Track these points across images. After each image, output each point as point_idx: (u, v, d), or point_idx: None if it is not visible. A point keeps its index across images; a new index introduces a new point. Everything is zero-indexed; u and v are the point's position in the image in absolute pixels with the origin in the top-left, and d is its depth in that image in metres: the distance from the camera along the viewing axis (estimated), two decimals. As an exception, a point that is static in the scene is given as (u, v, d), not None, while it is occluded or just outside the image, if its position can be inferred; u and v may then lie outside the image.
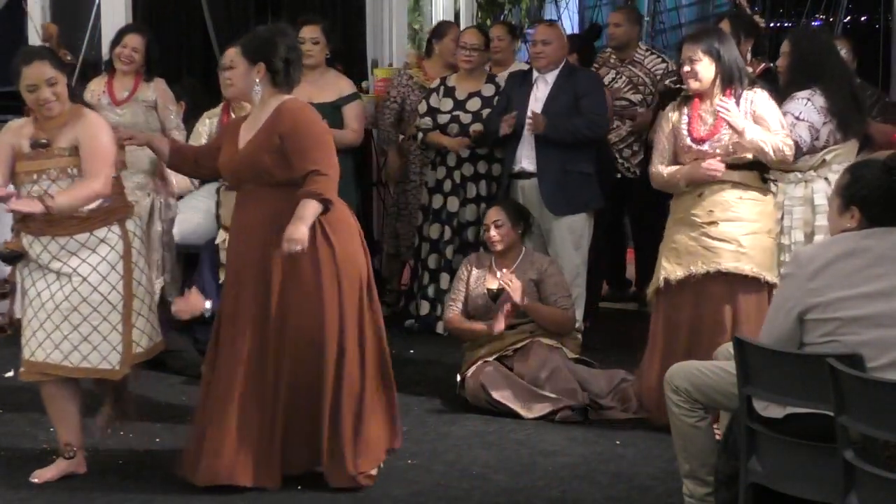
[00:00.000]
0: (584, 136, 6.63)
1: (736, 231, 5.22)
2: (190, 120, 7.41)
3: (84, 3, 8.99)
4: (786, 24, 12.19)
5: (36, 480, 4.79)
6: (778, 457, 3.67)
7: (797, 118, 5.39)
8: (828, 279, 3.64)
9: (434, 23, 9.83)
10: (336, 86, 6.95)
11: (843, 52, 6.80)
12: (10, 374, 6.44)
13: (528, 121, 6.62)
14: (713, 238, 5.23)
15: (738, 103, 5.20)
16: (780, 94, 5.47)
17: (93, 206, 4.61)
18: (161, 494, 4.68)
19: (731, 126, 5.13)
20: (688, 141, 5.27)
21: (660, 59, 7.73)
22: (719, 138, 5.22)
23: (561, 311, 5.94)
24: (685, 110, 5.32)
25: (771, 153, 5.15)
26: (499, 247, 6.03)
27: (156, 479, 4.84)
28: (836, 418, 3.39)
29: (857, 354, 3.45)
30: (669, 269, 5.35)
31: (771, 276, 5.22)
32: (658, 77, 7.56)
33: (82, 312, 4.64)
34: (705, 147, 5.23)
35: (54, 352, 4.65)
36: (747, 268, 5.21)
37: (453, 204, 7.18)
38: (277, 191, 4.56)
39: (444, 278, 7.14)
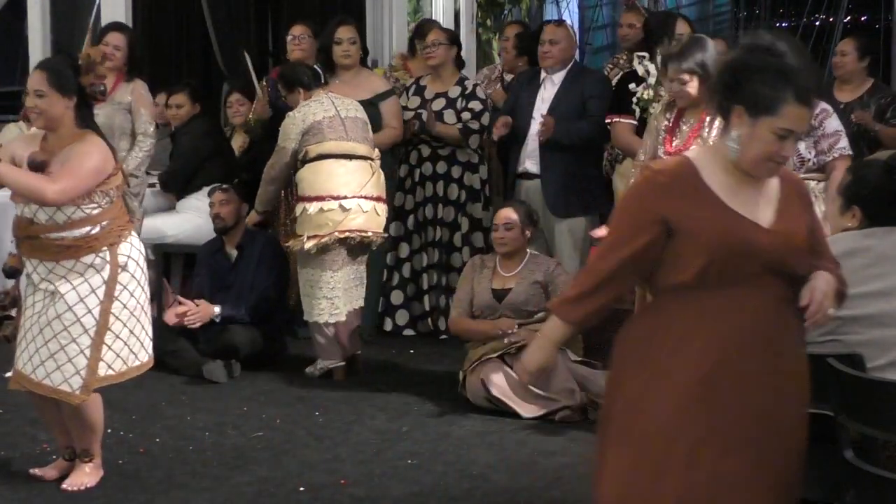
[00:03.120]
0: (590, 139, 6.65)
1: None
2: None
3: (84, 3, 9.00)
4: (785, 24, 12.19)
5: (37, 472, 4.79)
6: (778, 457, 3.67)
7: (843, 134, 5.41)
8: (828, 279, 3.63)
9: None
10: (371, 84, 7.00)
11: (852, 50, 6.83)
12: (10, 374, 6.43)
13: (539, 126, 6.62)
14: None
15: (713, 120, 5.06)
16: None
17: (79, 233, 4.52)
18: (161, 494, 4.68)
19: None
20: (660, 152, 5.22)
21: None
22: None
23: None
24: (668, 115, 5.26)
25: None
26: (505, 249, 6.03)
27: (156, 479, 4.84)
28: (836, 418, 3.39)
29: (857, 354, 3.45)
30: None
31: None
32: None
33: (54, 328, 4.55)
34: None
35: (27, 363, 4.60)
36: None
37: (409, 202, 7.19)
38: (785, 283, 3.11)
39: (395, 276, 7.26)
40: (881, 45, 10.01)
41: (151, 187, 7.42)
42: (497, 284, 6.03)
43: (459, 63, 7.36)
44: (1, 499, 4.62)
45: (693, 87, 5.13)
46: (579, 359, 5.88)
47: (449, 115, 7.09)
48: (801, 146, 5.42)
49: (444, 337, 7.07)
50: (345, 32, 6.97)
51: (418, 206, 7.20)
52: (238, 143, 7.80)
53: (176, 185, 7.38)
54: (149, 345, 4.78)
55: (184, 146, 7.38)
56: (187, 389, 6.16)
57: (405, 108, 7.17)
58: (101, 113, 6.66)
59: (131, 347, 4.68)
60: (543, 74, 6.82)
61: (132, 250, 4.67)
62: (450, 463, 5.03)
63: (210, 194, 6.87)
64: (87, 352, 4.55)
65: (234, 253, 6.78)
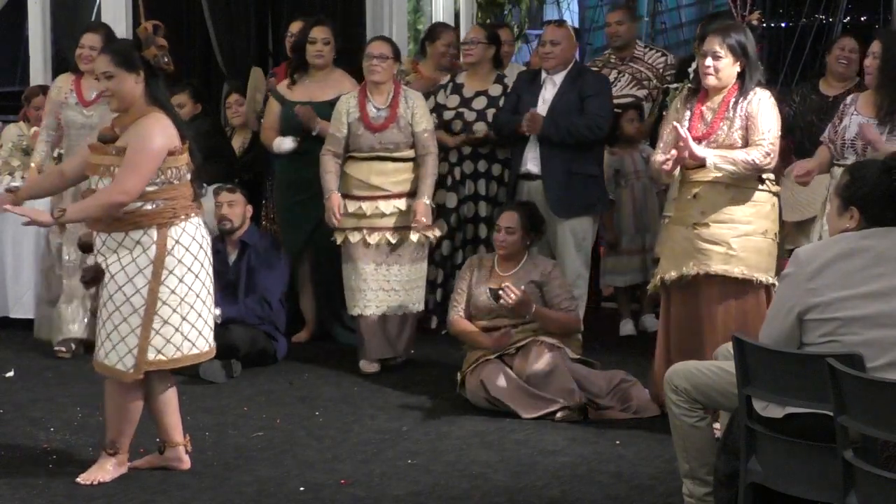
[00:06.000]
0: (583, 136, 6.62)
1: (727, 233, 5.16)
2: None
3: (84, 3, 9.01)
4: (786, 24, 12.20)
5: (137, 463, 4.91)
6: (778, 457, 3.67)
7: None
8: (827, 279, 3.64)
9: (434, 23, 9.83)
10: (339, 84, 6.99)
11: (851, 50, 6.79)
12: (10, 374, 6.45)
13: (525, 120, 6.61)
14: (704, 240, 5.18)
15: (737, 102, 5.16)
16: (881, 97, 5.43)
17: (130, 207, 4.61)
18: (161, 494, 4.68)
19: (692, 157, 5.09)
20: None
21: (660, 54, 7.74)
22: (715, 138, 5.17)
23: (566, 313, 5.95)
24: (689, 105, 5.28)
25: (741, 171, 5.10)
26: (504, 252, 6.04)
27: (156, 479, 4.84)
28: (836, 418, 3.39)
29: (856, 354, 3.45)
30: (665, 267, 5.36)
31: (766, 277, 5.19)
32: (661, 70, 7.55)
33: (108, 310, 4.67)
34: (701, 147, 5.16)
35: (97, 346, 4.77)
36: (736, 270, 5.15)
37: (451, 200, 7.19)
38: None
39: (439, 274, 7.22)
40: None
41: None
42: (494, 284, 6.03)
43: (498, 62, 7.35)
44: (1, 499, 4.62)
45: (726, 65, 5.10)
46: (577, 357, 5.88)
47: (492, 115, 7.08)
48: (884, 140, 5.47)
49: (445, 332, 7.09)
50: (319, 32, 6.99)
51: (460, 203, 7.19)
52: (238, 143, 7.80)
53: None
54: (208, 334, 4.81)
55: (184, 146, 7.37)
56: (187, 389, 6.14)
57: (444, 108, 7.18)
58: (94, 113, 6.70)
59: (185, 334, 4.73)
60: (544, 75, 6.81)
61: (182, 235, 4.70)
62: (450, 463, 5.03)
63: (216, 193, 6.87)
64: (138, 331, 4.65)
65: (233, 252, 6.77)
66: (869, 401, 3.31)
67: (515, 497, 4.66)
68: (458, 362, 6.06)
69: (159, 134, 4.63)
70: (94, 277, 4.84)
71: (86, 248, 4.96)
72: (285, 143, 6.97)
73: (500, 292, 5.80)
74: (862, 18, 12.17)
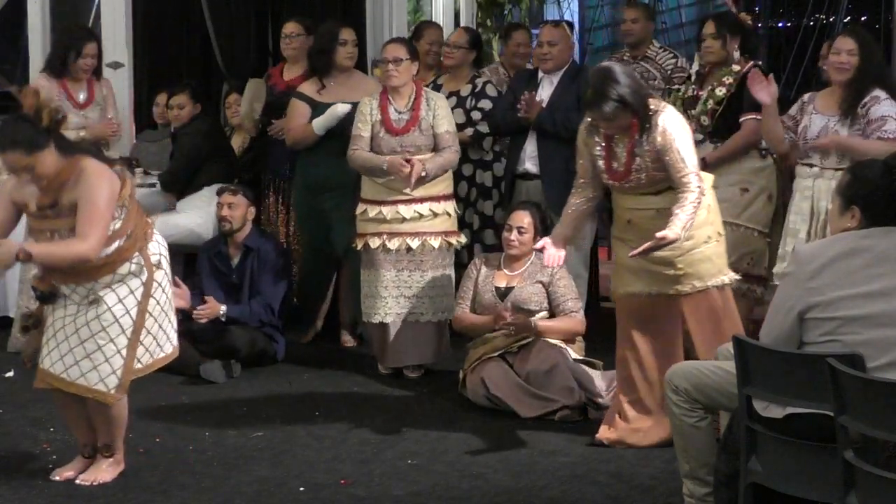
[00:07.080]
0: (576, 132, 6.60)
1: (669, 255, 4.96)
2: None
3: (84, 3, 9.00)
4: (786, 24, 12.19)
5: (59, 477, 4.80)
6: (778, 457, 3.67)
7: (891, 118, 5.40)
8: (828, 278, 3.64)
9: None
10: (366, 85, 6.97)
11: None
12: (10, 373, 6.45)
13: (521, 101, 6.57)
14: (650, 261, 5.00)
15: (644, 136, 4.93)
16: (850, 93, 5.48)
17: (109, 250, 4.53)
18: (161, 494, 4.68)
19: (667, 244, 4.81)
20: (605, 178, 5.12)
21: (671, 55, 7.67)
22: (633, 179, 5.02)
23: (569, 317, 5.94)
24: (597, 138, 5.11)
25: (696, 214, 4.88)
26: (515, 252, 6.03)
27: (156, 478, 4.84)
28: (836, 418, 3.39)
29: (857, 354, 3.45)
30: (615, 283, 5.27)
31: (721, 279, 5.08)
32: (668, 72, 7.52)
33: (92, 329, 4.59)
34: (624, 185, 5.07)
35: (58, 362, 4.63)
36: (688, 287, 5.04)
37: None
38: None
39: None
40: (881, 45, 9.98)
41: (151, 187, 7.43)
42: (500, 282, 6.03)
43: (479, 65, 7.31)
44: (1, 499, 4.62)
45: (623, 120, 4.94)
46: (580, 357, 5.89)
47: (458, 115, 7.05)
48: (843, 133, 5.47)
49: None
50: (349, 34, 6.95)
51: None
52: (238, 143, 7.81)
53: (176, 186, 7.38)
54: (174, 335, 4.83)
55: (184, 146, 7.38)
56: (187, 389, 6.16)
57: None
58: (91, 113, 6.98)
59: (158, 340, 4.75)
60: (541, 74, 6.80)
61: (160, 248, 4.73)
62: (450, 463, 5.03)
63: (219, 193, 6.87)
64: (124, 352, 4.62)
65: (236, 255, 6.77)
66: (869, 401, 3.32)
67: (515, 497, 4.65)
68: (459, 362, 6.07)
69: (104, 181, 4.51)
70: (35, 324, 4.78)
71: (49, 298, 4.67)
72: (339, 108, 6.79)
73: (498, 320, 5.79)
74: (862, 18, 12.15)
